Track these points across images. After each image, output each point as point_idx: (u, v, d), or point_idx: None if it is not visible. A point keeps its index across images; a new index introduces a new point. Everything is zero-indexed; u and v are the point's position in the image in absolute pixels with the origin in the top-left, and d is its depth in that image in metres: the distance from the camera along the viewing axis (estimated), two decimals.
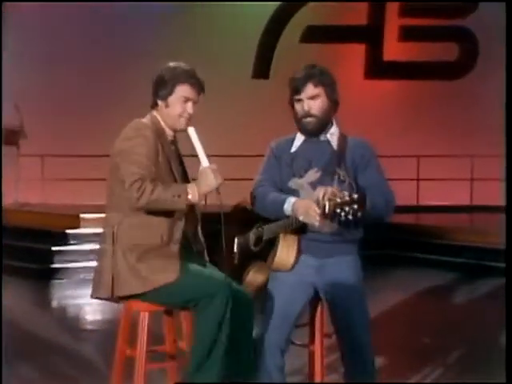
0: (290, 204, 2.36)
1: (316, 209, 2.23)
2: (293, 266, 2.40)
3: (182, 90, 2.34)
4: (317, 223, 2.27)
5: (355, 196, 2.15)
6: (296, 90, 2.41)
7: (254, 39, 8.81)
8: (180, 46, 7.84)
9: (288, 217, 2.36)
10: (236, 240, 2.59)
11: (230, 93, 8.23)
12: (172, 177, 2.34)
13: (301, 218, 2.30)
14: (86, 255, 5.73)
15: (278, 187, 2.47)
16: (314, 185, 2.40)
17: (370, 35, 9.12)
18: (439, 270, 6.01)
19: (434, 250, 6.39)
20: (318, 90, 2.41)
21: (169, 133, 2.40)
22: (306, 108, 2.41)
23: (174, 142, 2.42)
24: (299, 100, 2.42)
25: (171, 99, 2.35)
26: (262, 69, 8.83)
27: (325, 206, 2.19)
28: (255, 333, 2.35)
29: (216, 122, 8.05)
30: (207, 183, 2.25)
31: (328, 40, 8.86)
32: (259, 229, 2.48)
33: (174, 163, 2.36)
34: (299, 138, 2.50)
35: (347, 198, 2.14)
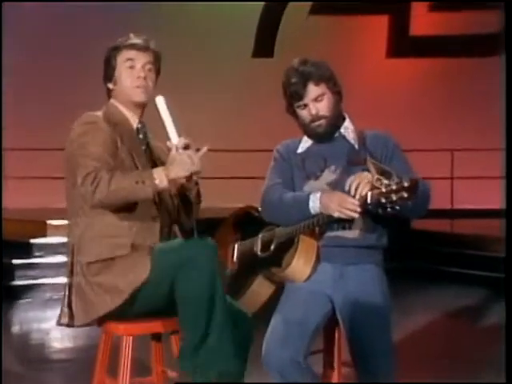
0: (316, 200, 2.39)
1: (353, 200, 2.27)
2: (309, 278, 2.43)
3: (123, 56, 2.41)
4: (356, 216, 2.30)
5: (405, 183, 2.16)
6: (296, 95, 2.47)
7: (254, 11, 8.84)
8: (171, 21, 7.91)
9: (314, 216, 2.39)
10: (236, 246, 2.61)
11: (225, 75, 8.27)
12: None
13: (336, 215, 2.33)
14: (54, 270, 5.74)
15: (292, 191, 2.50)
16: (333, 185, 2.44)
17: (394, 5, 9.14)
18: (479, 288, 6.02)
19: (473, 264, 6.40)
20: (321, 89, 2.48)
21: (133, 119, 2.43)
22: (313, 112, 2.47)
23: (140, 130, 2.44)
24: (304, 106, 2.48)
25: (117, 73, 2.42)
26: (264, 46, 8.86)
27: (366, 196, 2.21)
28: (263, 350, 2.35)
29: (210, 110, 8.11)
30: (179, 165, 2.24)
31: (343, 11, 8.88)
32: (270, 231, 2.50)
33: (139, 156, 2.38)
34: (307, 141, 2.56)
35: (394, 187, 2.17)
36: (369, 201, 2.23)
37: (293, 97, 2.48)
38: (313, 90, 2.46)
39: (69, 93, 7.96)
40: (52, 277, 5.73)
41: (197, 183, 2.42)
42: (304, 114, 2.49)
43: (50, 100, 8.11)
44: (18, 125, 7.98)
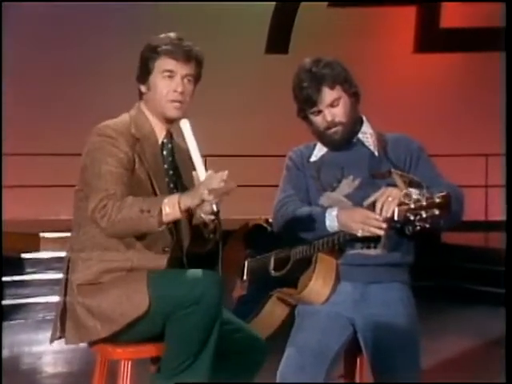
0: (333, 218, 2.38)
1: (377, 216, 2.26)
2: (327, 300, 2.43)
3: (162, 64, 2.37)
4: (382, 233, 2.29)
5: (437, 199, 2.15)
6: (309, 100, 2.45)
7: (268, 3, 8.86)
8: (179, 17, 7.97)
9: (333, 234, 2.39)
10: (246, 263, 2.62)
11: (236, 73, 8.29)
12: (153, 195, 2.33)
13: (359, 234, 2.32)
14: (47, 287, 5.78)
15: (307, 204, 2.50)
16: (352, 197, 2.44)
17: None
18: None
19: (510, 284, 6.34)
20: (337, 92, 2.46)
21: (160, 132, 2.41)
22: (328, 118, 2.46)
23: (165, 145, 2.42)
24: (318, 112, 2.47)
25: (152, 78, 2.39)
26: (278, 41, 8.89)
27: (393, 212, 2.20)
28: (278, 380, 2.36)
29: (219, 111, 8.13)
30: (195, 192, 2.20)
31: (365, 2, 8.88)
32: (285, 249, 2.51)
33: (157, 177, 2.36)
34: (321, 148, 2.55)
35: (424, 203, 2.16)
36: (396, 217, 2.21)
37: (305, 102, 2.46)
38: (327, 95, 2.44)
39: (66, 98, 8.04)
40: (45, 295, 5.76)
41: (215, 219, 2.35)
42: (318, 120, 2.48)
43: (43, 104, 8.18)
44: (9, 128, 8.06)
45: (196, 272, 2.28)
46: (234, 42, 8.43)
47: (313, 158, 2.55)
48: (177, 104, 2.37)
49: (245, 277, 2.62)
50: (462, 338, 5.18)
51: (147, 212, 2.20)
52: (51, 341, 2.41)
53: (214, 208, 2.21)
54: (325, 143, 2.53)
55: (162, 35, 2.43)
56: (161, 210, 2.20)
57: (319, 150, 2.56)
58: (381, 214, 2.25)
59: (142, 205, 2.21)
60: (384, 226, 2.27)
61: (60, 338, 2.39)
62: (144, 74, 2.40)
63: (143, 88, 2.41)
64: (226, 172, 2.18)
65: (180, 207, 2.21)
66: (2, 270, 5.95)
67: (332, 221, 2.38)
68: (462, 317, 6.00)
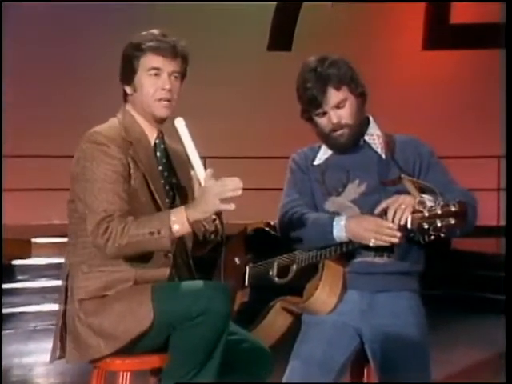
0: (341, 228, 2.37)
1: (390, 225, 2.25)
2: (333, 309, 2.43)
3: (148, 61, 2.36)
4: (397, 241, 2.28)
5: (453, 207, 2.14)
6: (314, 102, 2.45)
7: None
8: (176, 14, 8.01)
9: (342, 244, 2.39)
10: (248, 269, 2.62)
11: (236, 71, 8.30)
12: (151, 201, 2.33)
13: (372, 243, 2.32)
14: (39, 295, 5.78)
15: (313, 209, 2.50)
16: (359, 202, 2.44)
17: None
18: None
19: None
20: (343, 93, 2.46)
21: (151, 133, 2.41)
22: (334, 120, 2.46)
23: (158, 146, 2.42)
24: (323, 113, 2.47)
25: (138, 78, 2.37)
26: (281, 38, 8.90)
27: (406, 221, 2.20)
28: None
29: (217, 111, 8.13)
30: (205, 204, 2.18)
31: None
32: (289, 254, 2.51)
33: (154, 180, 2.35)
34: (326, 151, 2.56)
35: (439, 211, 2.15)
36: (409, 226, 2.21)
37: (310, 103, 2.46)
38: (333, 96, 2.44)
39: (62, 99, 8.06)
40: (37, 304, 5.76)
41: (216, 219, 2.38)
42: (323, 122, 2.48)
43: (37, 105, 8.20)
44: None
45: (202, 282, 2.28)
46: (234, 39, 8.44)
47: (317, 161, 2.55)
48: (165, 103, 2.36)
49: (246, 283, 2.62)
50: (473, 349, 5.17)
51: (157, 233, 2.20)
52: (51, 361, 2.39)
53: (233, 207, 2.19)
54: (330, 146, 2.53)
55: (144, 32, 2.42)
56: (170, 228, 2.21)
57: (324, 153, 2.56)
58: (393, 221, 2.25)
59: (150, 226, 2.21)
60: (398, 234, 2.26)
61: (60, 357, 2.37)
62: (128, 73, 2.38)
63: (129, 89, 2.40)
64: (237, 179, 2.17)
65: (189, 222, 2.22)
66: None
67: (340, 231, 2.38)
68: (474, 327, 5.99)
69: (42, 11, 8.36)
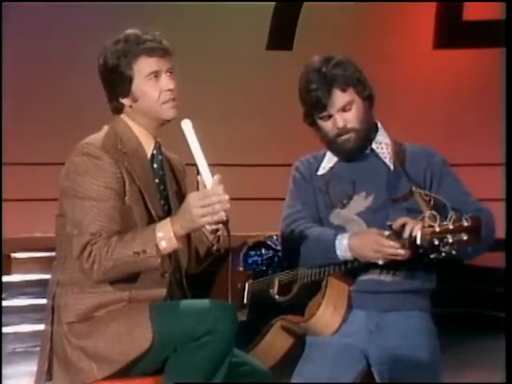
0: (344, 248, 2.38)
1: (392, 243, 2.26)
2: (337, 330, 2.44)
3: (144, 66, 2.36)
4: (406, 257, 2.29)
5: (465, 222, 2.14)
6: (319, 104, 2.45)
7: None
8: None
9: (347, 262, 2.39)
10: (247, 285, 2.62)
11: (234, 70, 8.32)
12: (147, 217, 2.33)
13: (380, 262, 2.32)
14: (18, 315, 5.77)
15: (317, 221, 2.51)
16: (365, 216, 2.45)
17: None
18: None
19: None
20: (349, 95, 2.47)
21: (148, 143, 2.41)
22: (340, 124, 2.46)
23: (155, 157, 2.42)
24: (328, 116, 2.46)
25: (136, 87, 2.36)
26: (281, 36, 8.92)
27: (415, 237, 2.20)
28: None
29: (219, 114, 8.14)
30: (190, 218, 2.18)
31: None
32: (291, 271, 2.52)
33: (151, 195, 2.35)
34: (331, 159, 2.55)
35: (451, 226, 2.15)
36: (418, 241, 2.21)
37: (314, 106, 2.46)
38: (339, 98, 2.45)
39: (62, 99, 8.09)
40: (16, 324, 5.75)
41: (218, 230, 2.38)
42: (328, 126, 2.48)
43: (23, 109, 8.22)
44: None
45: (206, 301, 2.29)
46: (232, 37, 8.46)
47: (321, 171, 2.56)
48: (171, 103, 2.38)
49: (245, 300, 2.62)
50: (488, 372, 5.17)
51: (143, 253, 2.20)
52: None
53: (223, 217, 2.19)
54: (335, 152, 2.53)
55: (120, 36, 2.39)
56: (157, 245, 2.20)
57: (328, 162, 2.57)
58: (400, 235, 2.25)
59: (134, 245, 2.20)
60: (402, 252, 2.27)
61: (47, 381, 2.35)
62: (122, 85, 2.36)
63: (127, 101, 2.39)
64: (220, 189, 2.17)
65: (177, 237, 2.22)
66: None
67: (344, 251, 2.39)
68: (488, 348, 5.99)
69: (42, 11, 8.45)
